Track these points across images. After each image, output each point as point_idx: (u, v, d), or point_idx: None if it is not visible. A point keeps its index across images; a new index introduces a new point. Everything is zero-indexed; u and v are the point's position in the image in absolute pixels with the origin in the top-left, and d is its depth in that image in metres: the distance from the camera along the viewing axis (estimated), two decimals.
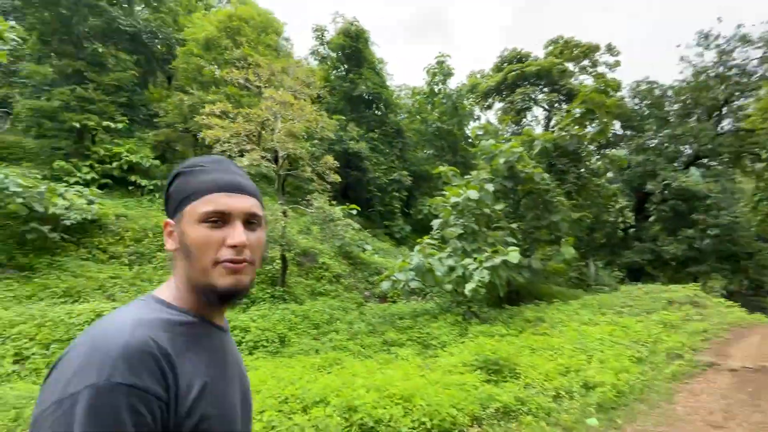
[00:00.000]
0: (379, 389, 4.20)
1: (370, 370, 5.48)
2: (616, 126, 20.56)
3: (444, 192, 10.15)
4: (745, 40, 15.20)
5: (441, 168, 10.96)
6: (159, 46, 15.05)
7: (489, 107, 23.91)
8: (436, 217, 10.44)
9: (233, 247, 0.69)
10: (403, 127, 19.94)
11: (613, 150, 11.21)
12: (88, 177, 11.08)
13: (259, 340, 6.91)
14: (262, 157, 7.80)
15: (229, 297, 0.71)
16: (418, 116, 21.40)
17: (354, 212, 12.03)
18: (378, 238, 15.88)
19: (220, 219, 0.69)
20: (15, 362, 5.37)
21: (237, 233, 0.70)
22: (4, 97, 13.17)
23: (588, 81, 19.62)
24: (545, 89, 20.47)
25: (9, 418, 4.25)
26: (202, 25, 13.37)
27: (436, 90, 20.75)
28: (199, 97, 9.00)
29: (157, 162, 12.05)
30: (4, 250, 7.51)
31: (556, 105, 20.40)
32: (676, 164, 16.95)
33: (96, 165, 11.43)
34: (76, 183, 10.51)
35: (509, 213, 11.94)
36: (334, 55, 20.28)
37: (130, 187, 11.57)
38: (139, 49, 13.77)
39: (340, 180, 10.12)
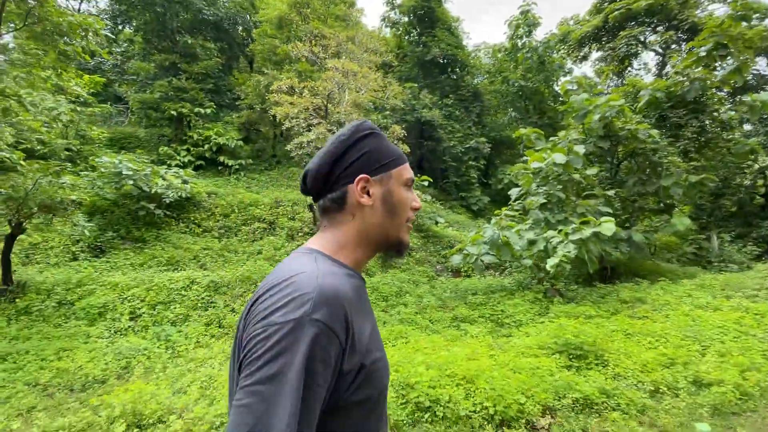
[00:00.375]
0: (440, 367, 3.93)
1: (435, 346, 5.24)
2: (761, 64, 16.37)
3: (526, 158, 9.11)
4: None
5: (522, 131, 9.83)
6: (240, 31, 15.91)
7: (584, 58, 20.84)
8: (517, 186, 9.48)
9: (415, 209, 0.84)
10: (481, 89, 18.47)
11: (755, 94, 8.77)
12: (186, 159, 12.43)
13: None
14: (329, 131, 7.76)
15: (406, 249, 0.83)
16: (498, 76, 19.58)
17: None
18: (453, 210, 15.24)
19: (410, 185, 0.83)
20: (130, 319, 6.29)
21: (417, 198, 0.85)
22: (121, 93, 15.29)
23: (720, 11, 15.72)
24: (659, 28, 17.02)
25: (121, 365, 4.96)
26: (275, 4, 13.70)
27: (519, 45, 18.64)
28: (273, 77, 9.26)
29: (241, 143, 12.97)
30: (123, 225, 8.80)
31: (673, 46, 16.91)
32: None
33: (192, 148, 12.74)
34: (177, 165, 11.85)
35: (605, 179, 10.35)
36: (405, 19, 19.37)
37: (219, 167, 12.68)
38: (222, 36, 14.72)
39: (408, 150, 9.71)
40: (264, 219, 10.27)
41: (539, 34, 19.35)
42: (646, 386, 4.02)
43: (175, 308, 6.44)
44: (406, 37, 20.07)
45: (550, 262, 7.05)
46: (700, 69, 8.96)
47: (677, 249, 17.02)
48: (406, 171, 0.82)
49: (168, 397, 3.54)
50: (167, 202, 8.84)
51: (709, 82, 8.91)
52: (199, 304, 6.62)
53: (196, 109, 12.93)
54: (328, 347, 0.60)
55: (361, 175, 0.76)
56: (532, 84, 17.32)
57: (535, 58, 17.22)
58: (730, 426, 3.35)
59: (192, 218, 9.75)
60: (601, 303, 7.29)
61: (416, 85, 17.24)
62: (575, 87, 10.63)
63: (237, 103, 13.80)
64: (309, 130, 7.68)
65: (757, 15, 16.16)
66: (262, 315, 0.61)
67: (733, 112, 9.43)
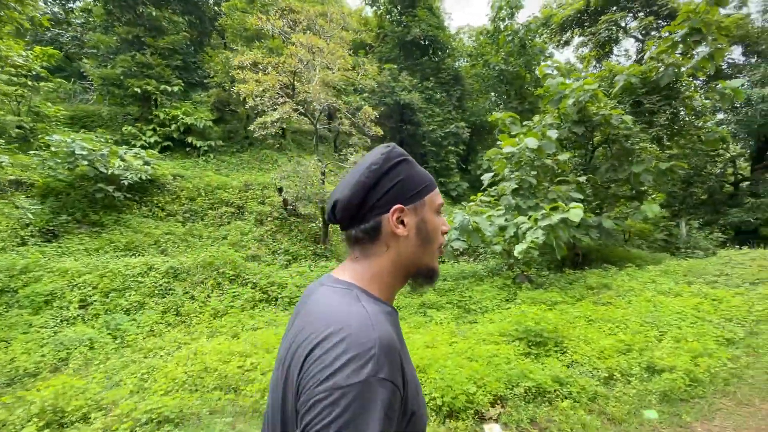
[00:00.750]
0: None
1: None
2: (735, 53, 16.53)
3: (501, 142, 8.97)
4: None
5: (497, 114, 9.65)
6: (210, 4, 15.10)
7: (567, 43, 20.67)
8: (491, 171, 9.36)
9: (445, 233, 0.82)
10: (462, 72, 18.16)
11: (726, 82, 8.77)
12: (152, 140, 11.84)
13: (294, 296, 6.92)
14: (294, 110, 7.43)
15: (437, 277, 0.83)
16: (480, 59, 19.27)
17: None
18: None
19: (440, 210, 0.82)
20: (80, 307, 5.97)
21: (447, 223, 0.84)
22: (82, 67, 14.37)
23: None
24: (640, 13, 16.93)
25: (59, 357, 4.68)
26: None
27: (501, 27, 18.32)
28: (242, 53, 8.77)
29: (211, 123, 12.43)
30: (80, 209, 8.34)
31: (653, 33, 16.86)
32: None
33: (158, 128, 12.14)
34: (142, 146, 11.29)
35: (579, 165, 10.34)
36: None
37: (187, 149, 12.16)
38: (191, 9, 13.93)
39: (381, 133, 9.44)
40: (232, 203, 9.92)
41: (522, 17, 19.01)
42: (600, 373, 4.00)
43: (130, 295, 6.15)
44: (388, 17, 19.48)
45: (519, 248, 7.00)
46: (674, 54, 8.89)
47: (649, 236, 17.40)
48: (437, 197, 0.81)
49: (99, 391, 3.32)
50: (126, 184, 8.39)
51: (683, 69, 8.87)
52: (156, 291, 6.34)
53: (163, 87, 12.28)
54: (394, 404, 0.59)
55: (396, 206, 0.74)
56: (513, 68, 17.10)
57: (516, 41, 16.96)
58: (677, 413, 3.34)
59: (155, 201, 9.34)
60: (568, 289, 7.32)
61: (396, 66, 16.81)
62: (553, 71, 10.47)
63: (205, 81, 13.17)
64: (274, 110, 7.32)
65: (734, 3, 16.26)
66: (322, 376, 0.58)
67: (705, 100, 9.42)
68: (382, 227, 0.74)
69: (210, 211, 9.53)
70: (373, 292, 0.73)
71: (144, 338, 5.15)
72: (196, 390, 3.36)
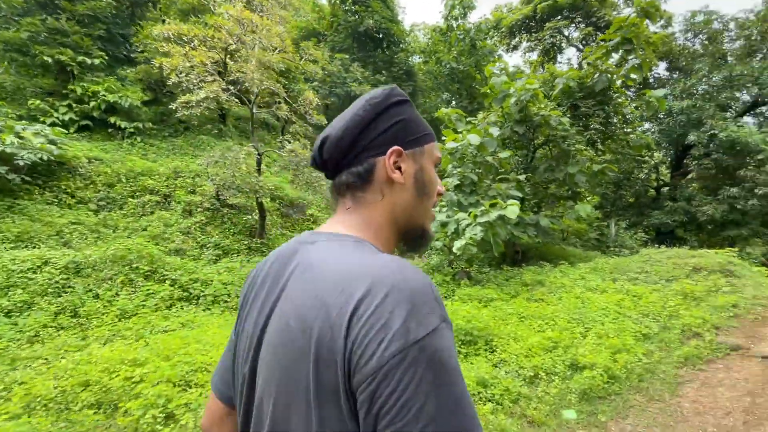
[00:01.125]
0: None
1: None
2: (661, 68, 17.97)
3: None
4: None
5: (444, 110, 9.60)
6: None
7: (515, 48, 21.37)
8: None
9: (440, 194, 0.74)
10: (415, 69, 18.11)
11: (651, 91, 9.39)
12: (66, 117, 10.45)
13: (219, 295, 6.35)
14: (224, 90, 6.79)
15: (430, 240, 0.74)
16: (433, 56, 19.34)
17: None
18: None
19: (438, 165, 0.74)
20: None
21: (441, 183, 0.75)
22: None
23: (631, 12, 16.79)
24: (581, 24, 17.84)
25: None
26: None
27: (454, 26, 18.48)
28: (175, 27, 7.85)
29: (138, 103, 11.24)
30: None
31: (592, 43, 17.84)
32: (727, 114, 14.65)
33: (75, 105, 10.76)
34: (53, 124, 9.93)
35: (521, 164, 10.61)
36: None
37: (110, 130, 10.91)
38: None
39: (326, 122, 9.00)
40: (158, 191, 9.00)
41: (474, 18, 19.30)
42: (526, 372, 3.95)
43: (14, 294, 5.26)
44: (342, 6, 18.93)
45: (457, 244, 6.96)
46: (607, 62, 9.33)
47: (584, 235, 18.52)
48: (437, 149, 0.73)
49: None
50: (23, 165, 7.25)
51: (615, 76, 9.34)
52: (50, 290, 5.48)
53: (81, 58, 10.89)
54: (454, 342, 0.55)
55: (395, 147, 0.65)
56: (464, 67, 17.33)
57: (467, 40, 17.18)
58: (595, 411, 3.33)
59: (64, 187, 8.20)
60: (505, 286, 7.41)
61: (348, 57, 16.36)
62: (500, 72, 10.61)
63: (133, 55, 11.90)
64: (200, 88, 6.64)
65: (662, 22, 17.66)
66: (386, 337, 0.48)
67: (635, 108, 10.02)
68: (375, 171, 0.65)
69: (130, 200, 8.56)
70: (380, 247, 0.64)
71: (23, 345, 4.37)
72: (64, 409, 2.81)
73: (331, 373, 0.50)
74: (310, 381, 0.52)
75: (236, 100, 7.10)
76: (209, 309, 6.04)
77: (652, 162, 17.30)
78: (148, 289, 5.95)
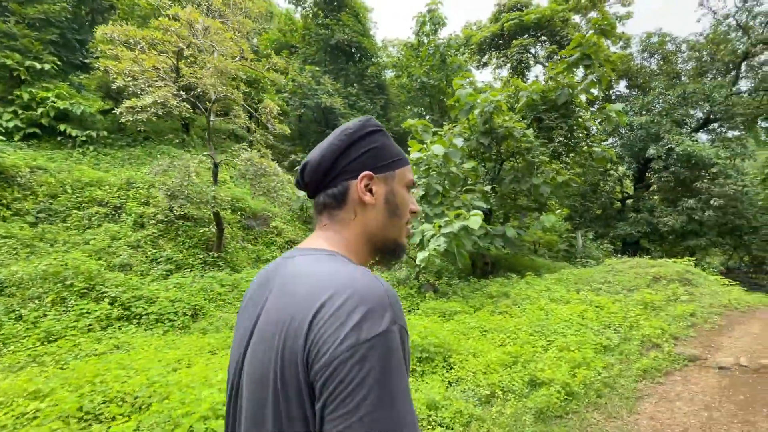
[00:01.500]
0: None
1: None
2: (622, 86, 18.76)
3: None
4: None
5: (410, 121, 9.53)
6: None
7: (485, 65, 21.92)
8: None
9: (414, 213, 0.81)
10: (386, 82, 18.20)
11: (611, 105, 9.67)
12: (10, 125, 9.77)
13: (165, 313, 5.87)
14: (174, 95, 6.43)
15: (403, 253, 0.80)
16: (404, 71, 19.52)
17: None
18: None
19: (411, 187, 0.80)
20: None
21: (415, 202, 0.81)
22: None
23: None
24: (546, 43, 18.48)
25: None
26: None
27: (425, 41, 18.77)
28: (120, 29, 7.42)
29: (92, 110, 10.66)
30: None
31: (557, 59, 18.49)
32: (683, 130, 15.36)
33: (21, 111, 10.08)
34: None
35: (487, 175, 10.63)
36: None
37: (60, 138, 10.26)
38: None
39: (288, 132, 8.76)
40: (107, 203, 8.43)
41: (445, 35, 19.70)
42: (482, 390, 3.72)
43: None
44: (315, 20, 18.93)
45: (420, 256, 6.77)
46: (569, 76, 9.56)
47: (554, 246, 18.80)
48: (409, 172, 0.80)
49: None
50: None
51: (575, 90, 9.57)
52: None
53: (29, 63, 10.28)
54: (407, 349, 0.59)
55: (365, 172, 0.73)
56: (434, 81, 17.53)
57: (437, 56, 17.45)
58: None
59: None
60: (470, 298, 7.24)
61: (318, 69, 16.26)
62: (467, 84, 10.71)
63: (87, 61, 11.34)
64: (149, 93, 6.26)
65: (621, 44, 18.53)
66: (340, 334, 0.53)
67: (597, 121, 10.27)
68: (349, 193, 0.73)
69: (75, 212, 7.96)
70: (353, 259, 0.71)
71: None
72: None
73: (293, 371, 0.55)
74: (277, 381, 0.57)
75: (188, 106, 6.74)
76: (151, 329, 5.56)
77: (617, 175, 17.86)
78: (81, 308, 5.43)
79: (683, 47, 16.19)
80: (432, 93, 18.21)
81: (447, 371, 4.19)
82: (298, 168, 0.78)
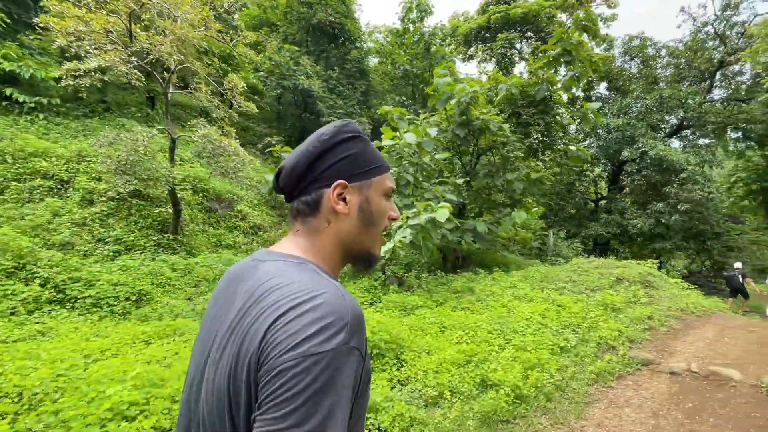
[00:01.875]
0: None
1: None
2: (602, 87, 18.91)
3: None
4: None
5: (386, 108, 9.20)
6: None
7: (471, 57, 21.66)
8: None
9: (393, 219, 0.77)
10: (369, 68, 17.70)
11: (588, 103, 9.61)
12: None
13: (104, 297, 5.43)
14: (125, 61, 5.89)
15: (376, 263, 0.78)
16: (388, 57, 19.06)
17: None
18: None
19: (390, 194, 0.77)
20: None
21: (396, 209, 0.79)
22: None
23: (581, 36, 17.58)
24: (532, 39, 18.36)
25: None
26: None
27: (411, 28, 18.32)
28: None
29: (44, 74, 9.83)
30: None
31: (538, 54, 18.43)
32: (657, 134, 15.61)
33: None
34: None
35: (462, 168, 10.45)
36: None
37: (5, 103, 9.44)
38: None
39: (256, 111, 8.29)
40: (53, 176, 7.80)
41: (431, 24, 19.28)
42: (430, 391, 3.53)
43: None
44: None
45: (385, 247, 6.54)
46: (548, 72, 9.41)
47: (529, 243, 18.97)
48: (388, 180, 0.77)
49: None
50: None
51: (554, 86, 9.45)
52: None
53: None
54: (359, 373, 0.57)
55: (339, 181, 0.71)
56: (417, 70, 17.18)
57: (422, 44, 17.06)
58: None
59: None
60: (435, 292, 7.08)
61: (298, 49, 15.63)
62: (447, 74, 10.43)
63: (33, 20, 10.44)
64: (95, 56, 5.70)
65: (604, 45, 18.61)
66: (291, 343, 0.53)
67: (575, 120, 10.21)
68: (322, 201, 0.71)
69: (15, 184, 7.31)
70: (325, 269, 0.69)
71: None
72: None
73: (246, 374, 0.56)
74: (231, 385, 0.58)
75: (139, 74, 6.18)
76: (85, 314, 5.13)
77: (592, 176, 18.09)
78: (6, 289, 4.94)
79: (663, 52, 16.37)
80: (415, 82, 17.86)
81: (397, 369, 3.98)
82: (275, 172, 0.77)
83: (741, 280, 9.00)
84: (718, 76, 15.55)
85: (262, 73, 14.71)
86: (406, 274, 8.79)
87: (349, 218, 0.71)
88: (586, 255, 10.31)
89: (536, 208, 15.33)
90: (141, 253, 7.11)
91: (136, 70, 6.07)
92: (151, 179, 6.04)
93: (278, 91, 14.81)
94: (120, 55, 5.85)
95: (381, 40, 21.99)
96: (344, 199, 0.71)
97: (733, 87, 15.41)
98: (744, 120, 14.97)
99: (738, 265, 9.61)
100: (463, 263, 10.76)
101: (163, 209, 8.01)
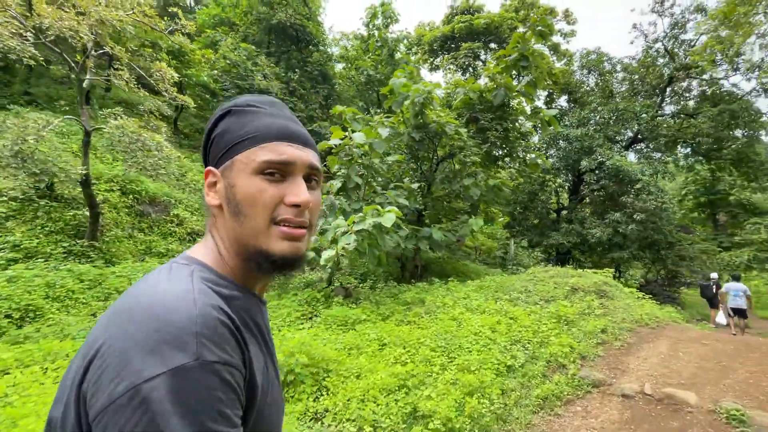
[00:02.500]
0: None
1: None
2: (562, 100, 19.31)
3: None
4: (700, 9, 13.99)
5: (339, 108, 8.68)
6: None
7: (437, 68, 21.68)
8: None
9: (295, 206, 0.57)
10: (332, 72, 17.24)
11: (545, 110, 9.51)
12: None
13: None
14: (18, 35, 5.06)
15: (285, 266, 0.58)
16: (353, 63, 18.68)
17: None
18: None
19: (279, 172, 0.57)
20: None
21: (301, 189, 0.57)
22: None
23: (540, 48, 17.93)
24: (495, 50, 18.54)
25: None
26: None
27: (375, 34, 18.07)
28: None
29: None
30: None
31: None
32: (615, 146, 15.99)
33: None
34: None
35: (421, 174, 10.06)
36: None
37: None
38: None
39: (193, 105, 7.54)
40: None
41: (396, 31, 19.14)
42: (349, 427, 2.94)
43: None
44: None
45: (325, 255, 5.93)
46: (507, 77, 9.24)
47: (493, 252, 18.83)
48: (262, 152, 0.56)
49: None
50: None
51: (513, 92, 9.29)
52: None
53: None
54: (232, 385, 0.45)
55: (207, 168, 0.60)
56: (381, 76, 16.88)
57: (385, 49, 16.81)
58: None
59: None
60: (383, 304, 6.52)
61: (255, 49, 14.95)
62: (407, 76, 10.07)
63: None
64: None
65: (565, 60, 19.07)
66: (119, 372, 0.42)
67: (530, 125, 10.09)
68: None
69: None
70: (222, 272, 0.57)
71: None
72: None
73: (74, 414, 0.47)
74: (65, 422, 0.48)
75: (35, 52, 5.33)
76: None
77: (553, 186, 18.29)
78: None
79: (618, 67, 16.90)
80: (378, 88, 17.52)
81: (315, 399, 3.37)
82: None
83: (714, 290, 9.19)
84: (668, 91, 16.16)
85: (216, 72, 13.91)
86: (360, 285, 8.21)
87: (222, 210, 0.58)
88: (544, 264, 10.11)
89: (502, 218, 15.23)
90: (45, 261, 6.14)
91: (31, 48, 5.23)
92: (45, 174, 5.17)
93: (233, 92, 14.02)
94: (12, 29, 5.02)
95: (346, 46, 21.66)
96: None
97: (682, 102, 16.05)
98: (692, 134, 15.59)
99: (714, 275, 9.87)
100: (421, 273, 10.31)
101: (79, 212, 7.06)
